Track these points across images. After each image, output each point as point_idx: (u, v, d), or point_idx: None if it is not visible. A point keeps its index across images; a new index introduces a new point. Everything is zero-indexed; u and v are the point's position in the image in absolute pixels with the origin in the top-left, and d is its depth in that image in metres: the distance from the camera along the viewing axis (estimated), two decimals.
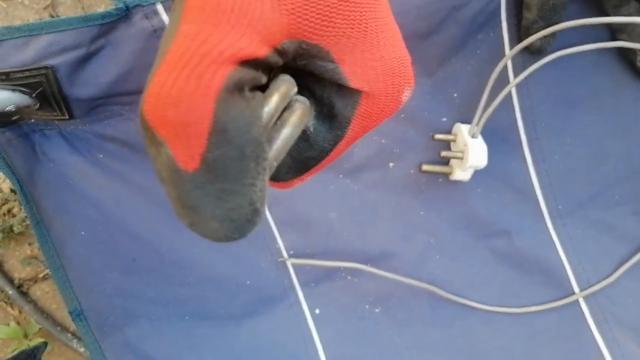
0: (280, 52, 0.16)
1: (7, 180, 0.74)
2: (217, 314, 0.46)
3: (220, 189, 0.15)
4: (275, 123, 0.17)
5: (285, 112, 0.17)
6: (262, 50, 0.15)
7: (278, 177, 0.20)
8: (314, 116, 0.19)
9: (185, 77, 0.13)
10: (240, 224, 0.15)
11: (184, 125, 0.14)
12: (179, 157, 0.14)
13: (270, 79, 0.17)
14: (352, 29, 0.16)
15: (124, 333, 0.44)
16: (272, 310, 0.46)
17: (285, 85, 0.17)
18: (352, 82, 0.17)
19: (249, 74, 0.15)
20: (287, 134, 0.17)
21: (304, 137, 0.19)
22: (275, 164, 0.17)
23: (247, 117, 0.14)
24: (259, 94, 0.16)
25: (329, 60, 0.17)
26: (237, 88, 0.14)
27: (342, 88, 0.18)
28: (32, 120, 0.38)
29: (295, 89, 0.17)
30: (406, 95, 0.19)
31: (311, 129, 0.19)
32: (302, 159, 0.19)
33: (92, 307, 0.43)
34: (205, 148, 0.14)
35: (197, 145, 0.14)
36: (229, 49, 0.14)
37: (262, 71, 0.16)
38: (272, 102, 0.16)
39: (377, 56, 0.17)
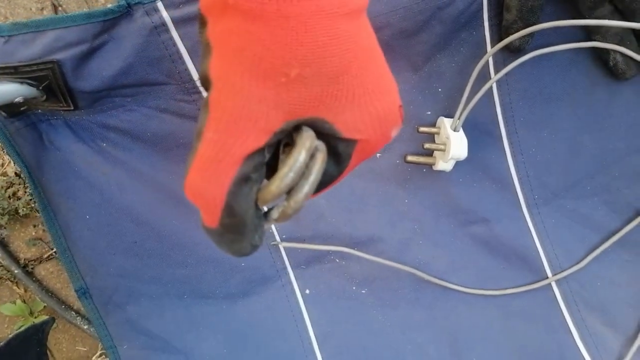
0: (281, 131, 0.20)
1: (12, 164, 0.77)
2: (214, 293, 0.49)
3: (231, 238, 0.22)
4: (304, 172, 0.21)
5: (310, 162, 0.21)
6: (263, 140, 0.20)
7: None
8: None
9: (207, 178, 0.20)
10: (245, 254, 0.23)
11: (206, 206, 0.21)
12: (205, 219, 0.22)
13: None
14: (340, 100, 0.20)
15: (126, 310, 0.47)
16: (265, 291, 0.49)
17: (309, 141, 0.21)
18: (346, 134, 0.21)
19: (252, 162, 0.20)
20: (313, 179, 0.21)
21: None
22: (305, 202, 0.21)
23: (248, 201, 0.21)
24: (263, 168, 0.22)
25: (325, 122, 0.21)
26: (242, 179, 0.20)
27: (335, 146, 0.22)
28: (39, 111, 0.41)
29: (316, 142, 0.21)
30: (394, 132, 0.23)
31: None
32: None
33: (97, 286, 0.46)
34: (220, 218, 0.21)
35: (215, 216, 0.21)
36: (237, 152, 0.20)
37: (267, 150, 0.21)
38: (301, 158, 0.20)
39: (364, 112, 0.21)
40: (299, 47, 0.18)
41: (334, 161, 0.23)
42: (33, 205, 0.76)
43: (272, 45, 0.18)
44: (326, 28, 0.18)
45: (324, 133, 0.21)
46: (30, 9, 0.71)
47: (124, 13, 0.37)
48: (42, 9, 0.71)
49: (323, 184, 0.23)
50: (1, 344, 0.48)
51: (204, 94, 0.42)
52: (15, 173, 0.77)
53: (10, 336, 0.48)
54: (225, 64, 0.19)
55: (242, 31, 0.18)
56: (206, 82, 0.21)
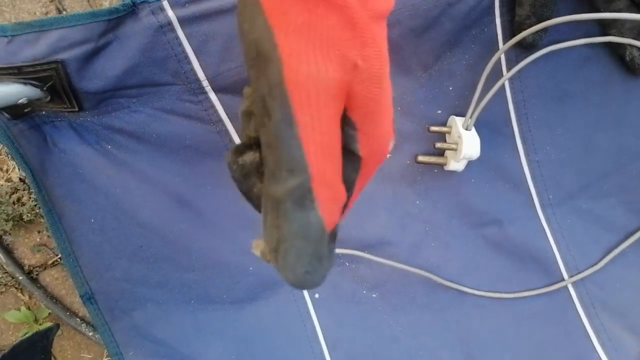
0: None
1: (17, 170, 0.76)
2: (221, 298, 0.48)
3: (332, 247, 0.20)
4: None
5: None
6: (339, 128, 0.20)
7: None
8: None
9: (334, 168, 0.19)
10: (319, 284, 0.20)
11: (340, 200, 0.20)
12: (326, 220, 0.19)
13: None
14: (375, 105, 0.20)
15: (132, 316, 0.46)
16: (274, 295, 0.48)
17: None
18: (361, 147, 0.21)
19: None
20: None
21: None
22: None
23: None
24: None
25: (352, 128, 0.20)
26: None
27: (347, 156, 0.21)
28: (43, 112, 0.40)
29: None
30: (391, 145, 0.22)
31: None
32: None
33: (102, 291, 0.45)
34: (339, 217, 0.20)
35: (337, 214, 0.20)
36: (336, 138, 0.19)
37: None
38: None
39: (380, 125, 0.20)
40: (357, 37, 0.18)
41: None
42: (37, 211, 0.75)
43: (336, 25, 0.17)
44: (366, 25, 0.18)
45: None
46: (35, 13, 0.71)
47: (129, 12, 0.37)
48: (47, 13, 0.71)
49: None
50: (5, 350, 0.47)
51: (210, 94, 0.41)
52: (20, 179, 0.76)
53: (15, 343, 0.48)
54: (293, 39, 0.18)
55: (303, 6, 0.17)
56: (268, 58, 0.18)
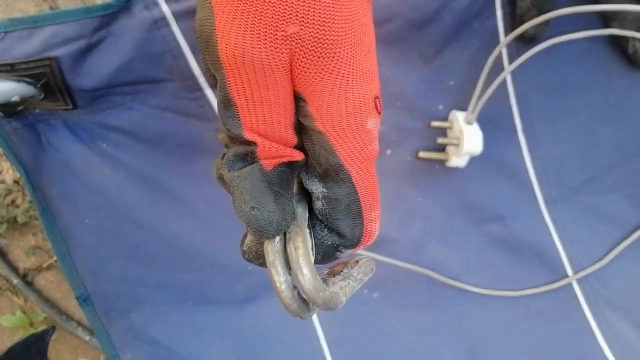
0: None
1: (11, 172, 0.75)
2: (220, 299, 0.47)
3: (277, 191, 0.19)
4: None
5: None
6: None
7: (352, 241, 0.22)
8: (317, 181, 0.20)
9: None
10: (277, 225, 0.19)
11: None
12: (265, 164, 0.19)
13: None
14: (323, 77, 0.18)
15: (130, 318, 0.46)
16: (274, 296, 0.47)
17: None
18: (318, 123, 0.19)
19: None
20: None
21: (326, 201, 0.20)
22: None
23: None
24: None
25: (302, 100, 0.19)
26: None
27: (315, 140, 0.19)
28: (38, 111, 0.39)
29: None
30: (372, 124, 0.20)
31: (323, 192, 0.20)
32: (345, 209, 0.20)
33: (99, 292, 0.44)
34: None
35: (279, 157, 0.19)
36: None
37: None
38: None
39: (342, 99, 0.18)
40: (299, 2, 0.17)
41: (332, 183, 0.20)
42: (32, 213, 0.74)
43: None
44: None
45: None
46: (28, 13, 0.70)
47: (122, 8, 0.36)
48: (40, 11, 0.70)
49: (352, 204, 0.20)
50: (1, 354, 0.46)
51: (207, 91, 0.41)
52: (15, 181, 0.75)
53: (11, 345, 0.47)
54: (228, 20, 0.17)
55: None
56: (209, 41, 0.18)
